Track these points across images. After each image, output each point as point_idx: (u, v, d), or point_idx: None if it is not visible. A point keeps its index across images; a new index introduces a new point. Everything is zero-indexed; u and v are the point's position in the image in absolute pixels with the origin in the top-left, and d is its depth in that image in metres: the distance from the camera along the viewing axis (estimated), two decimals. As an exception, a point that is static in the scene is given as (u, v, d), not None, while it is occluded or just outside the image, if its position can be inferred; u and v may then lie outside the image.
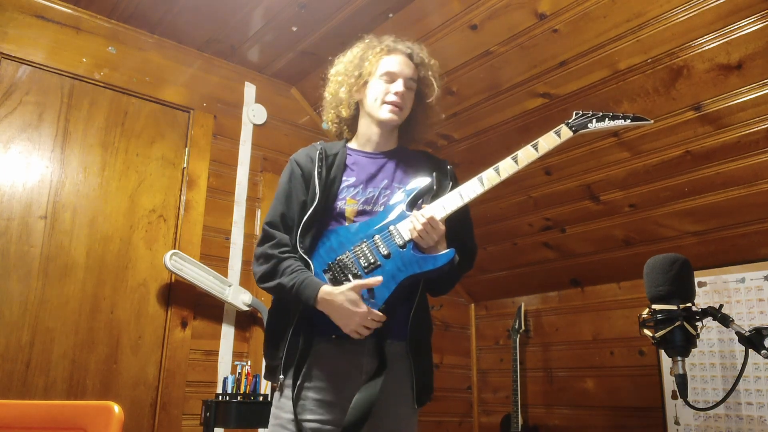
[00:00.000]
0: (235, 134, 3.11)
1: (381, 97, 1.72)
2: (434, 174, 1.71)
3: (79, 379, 2.47)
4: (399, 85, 1.72)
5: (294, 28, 2.84)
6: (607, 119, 1.68)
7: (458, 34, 2.60)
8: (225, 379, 2.59)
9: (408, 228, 1.59)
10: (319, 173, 1.68)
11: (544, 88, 2.61)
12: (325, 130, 2.01)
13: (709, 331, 2.64)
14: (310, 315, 1.58)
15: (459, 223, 1.70)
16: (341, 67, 1.81)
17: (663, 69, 2.30)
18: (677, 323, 1.56)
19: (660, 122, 2.42)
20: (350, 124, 1.85)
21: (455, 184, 1.69)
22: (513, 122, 2.81)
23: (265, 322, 2.87)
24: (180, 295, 2.75)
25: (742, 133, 2.29)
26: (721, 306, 1.60)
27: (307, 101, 3.36)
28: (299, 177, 1.71)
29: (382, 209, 1.67)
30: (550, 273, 3.29)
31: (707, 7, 2.09)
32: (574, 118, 1.69)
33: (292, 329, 1.59)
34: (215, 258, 2.89)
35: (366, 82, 1.75)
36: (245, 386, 2.55)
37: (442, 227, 1.58)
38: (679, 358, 1.58)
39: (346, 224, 1.66)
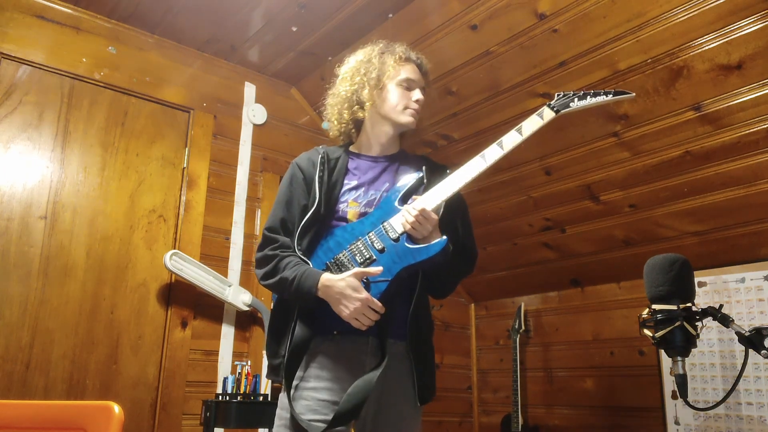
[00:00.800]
0: (235, 134, 3.11)
1: (403, 103, 1.76)
2: (424, 168, 1.73)
3: (79, 380, 2.47)
4: (419, 94, 1.78)
5: (294, 28, 2.84)
6: (588, 97, 1.68)
7: (458, 34, 2.60)
8: (225, 379, 2.59)
9: (400, 221, 1.61)
10: (321, 177, 1.70)
11: (544, 88, 2.61)
12: (325, 129, 2.01)
13: (709, 331, 2.64)
14: (312, 313, 1.60)
15: (457, 222, 1.71)
16: (356, 67, 1.81)
17: (663, 69, 2.30)
18: (677, 323, 1.56)
19: (660, 122, 2.42)
20: (358, 126, 1.85)
21: None
22: (513, 122, 2.78)
23: (265, 322, 2.87)
24: (180, 295, 2.76)
25: (742, 133, 2.29)
26: (721, 306, 1.60)
27: (307, 101, 3.36)
28: (300, 181, 1.72)
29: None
30: (550, 273, 3.29)
31: (707, 7, 2.09)
32: (555, 99, 1.69)
33: (293, 328, 1.60)
34: (215, 258, 2.89)
35: (384, 86, 1.77)
36: (245, 386, 2.55)
37: (435, 217, 1.59)
38: (679, 358, 1.58)
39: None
